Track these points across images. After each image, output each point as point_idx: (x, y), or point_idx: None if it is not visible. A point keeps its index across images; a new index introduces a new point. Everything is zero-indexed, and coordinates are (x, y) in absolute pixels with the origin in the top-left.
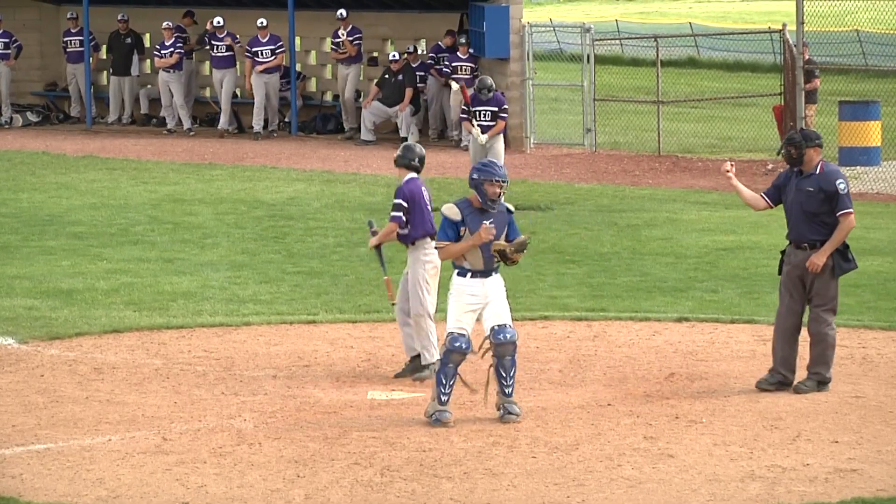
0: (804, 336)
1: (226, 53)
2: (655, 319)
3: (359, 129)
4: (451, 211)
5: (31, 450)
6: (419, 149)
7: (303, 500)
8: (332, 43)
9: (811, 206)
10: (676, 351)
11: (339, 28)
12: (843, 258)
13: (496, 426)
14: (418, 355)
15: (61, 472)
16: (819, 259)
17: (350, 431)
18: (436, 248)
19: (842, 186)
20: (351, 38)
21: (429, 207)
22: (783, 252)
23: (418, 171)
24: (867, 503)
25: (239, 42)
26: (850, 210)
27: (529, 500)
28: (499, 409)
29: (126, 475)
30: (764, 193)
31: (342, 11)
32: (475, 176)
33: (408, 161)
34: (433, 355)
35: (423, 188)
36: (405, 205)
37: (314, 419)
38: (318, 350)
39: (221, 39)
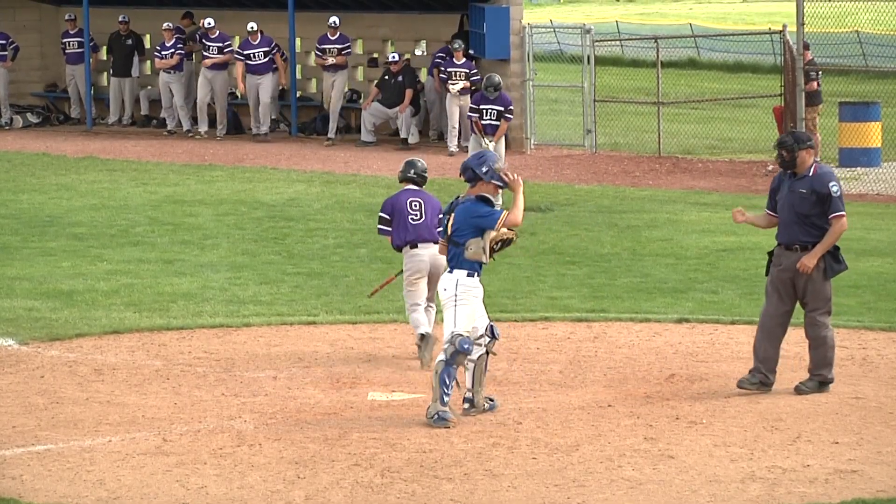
0: (801, 339)
1: (217, 55)
2: (656, 320)
3: (338, 132)
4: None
5: (32, 451)
6: (420, 163)
7: (303, 502)
8: (318, 49)
9: (803, 207)
10: (677, 352)
11: (328, 34)
12: (834, 260)
13: (496, 427)
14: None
15: (61, 473)
16: (810, 261)
17: (350, 432)
18: (508, 223)
19: (834, 189)
20: (340, 47)
21: (414, 219)
22: (770, 253)
23: (418, 184)
24: None
25: (230, 45)
26: (843, 213)
27: (530, 500)
28: (485, 405)
29: (126, 476)
30: (767, 209)
31: (335, 19)
32: (495, 166)
33: (405, 175)
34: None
35: (409, 200)
36: (386, 217)
37: (314, 420)
38: (319, 351)
39: (213, 41)
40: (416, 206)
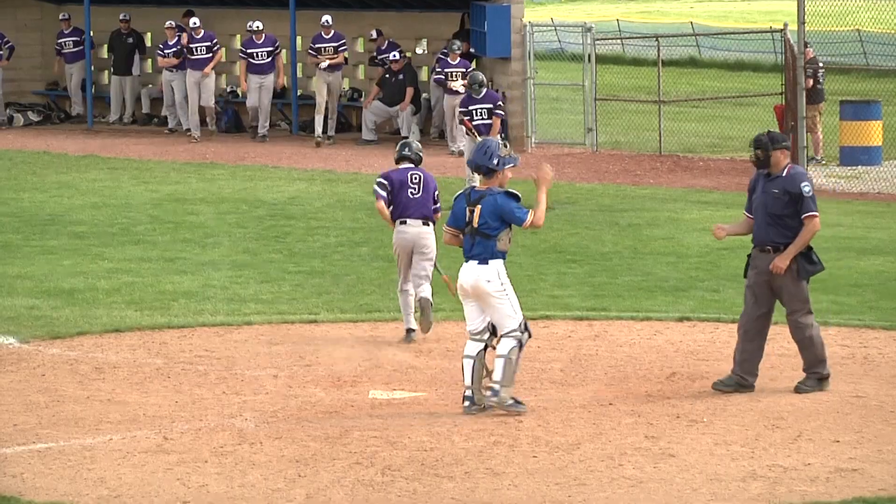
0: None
1: (205, 55)
2: (657, 319)
3: (327, 131)
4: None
5: (33, 449)
6: (415, 143)
7: (304, 500)
8: (311, 49)
9: (776, 208)
10: (678, 350)
11: (321, 33)
12: (807, 261)
13: (497, 426)
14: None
15: (62, 471)
16: (782, 262)
17: (351, 431)
18: (533, 224)
19: (806, 189)
20: (335, 45)
21: (413, 192)
22: (749, 255)
23: (413, 161)
24: (868, 503)
25: (217, 43)
26: (815, 213)
27: (531, 499)
28: (485, 402)
29: (127, 474)
30: (745, 211)
31: (327, 18)
32: (502, 153)
33: (401, 154)
34: (405, 323)
35: (410, 174)
36: (384, 182)
37: (315, 419)
38: (320, 349)
39: (200, 40)
40: (416, 179)
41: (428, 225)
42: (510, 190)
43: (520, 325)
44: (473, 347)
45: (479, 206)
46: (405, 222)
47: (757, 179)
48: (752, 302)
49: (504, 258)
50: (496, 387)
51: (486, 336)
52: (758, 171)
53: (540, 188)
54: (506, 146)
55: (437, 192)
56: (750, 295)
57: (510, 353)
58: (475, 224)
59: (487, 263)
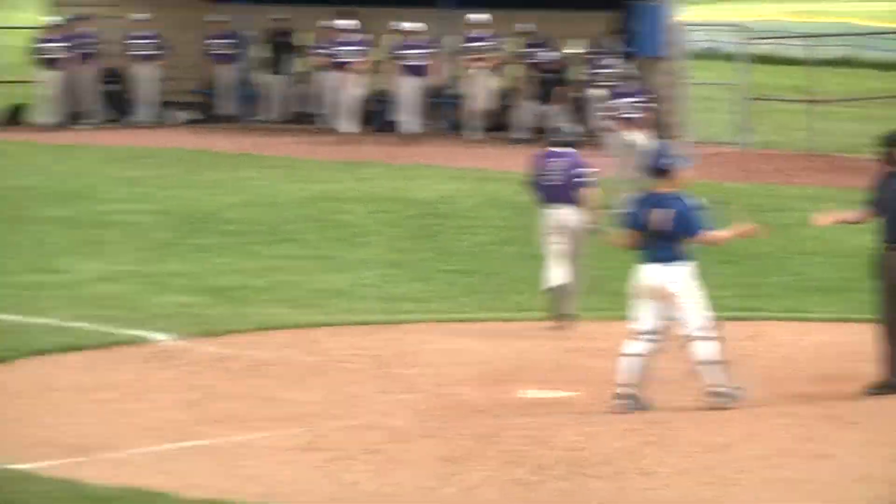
0: None
1: (356, 57)
2: (810, 319)
3: (474, 133)
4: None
5: (186, 446)
6: (566, 127)
7: (455, 498)
8: (463, 49)
9: None
10: (833, 351)
11: (472, 33)
12: None
13: (649, 426)
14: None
15: (215, 468)
16: None
17: (502, 430)
18: (712, 238)
19: None
20: (487, 45)
21: (549, 179)
22: (881, 255)
23: (563, 144)
24: None
25: (369, 42)
26: None
27: (682, 499)
28: (644, 403)
29: (279, 472)
30: (867, 204)
31: (476, 16)
32: (674, 152)
33: (548, 139)
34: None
35: (548, 161)
36: (531, 175)
37: (466, 417)
38: (471, 348)
39: (351, 41)
40: (552, 166)
41: (572, 206)
42: (697, 199)
43: (708, 324)
44: (637, 346)
45: (665, 210)
46: (547, 205)
47: (886, 177)
48: (886, 302)
49: (689, 259)
50: (717, 390)
51: (656, 336)
52: (886, 170)
53: (737, 230)
54: (673, 146)
55: (583, 170)
56: (882, 295)
57: (713, 356)
58: (661, 227)
59: (674, 265)
